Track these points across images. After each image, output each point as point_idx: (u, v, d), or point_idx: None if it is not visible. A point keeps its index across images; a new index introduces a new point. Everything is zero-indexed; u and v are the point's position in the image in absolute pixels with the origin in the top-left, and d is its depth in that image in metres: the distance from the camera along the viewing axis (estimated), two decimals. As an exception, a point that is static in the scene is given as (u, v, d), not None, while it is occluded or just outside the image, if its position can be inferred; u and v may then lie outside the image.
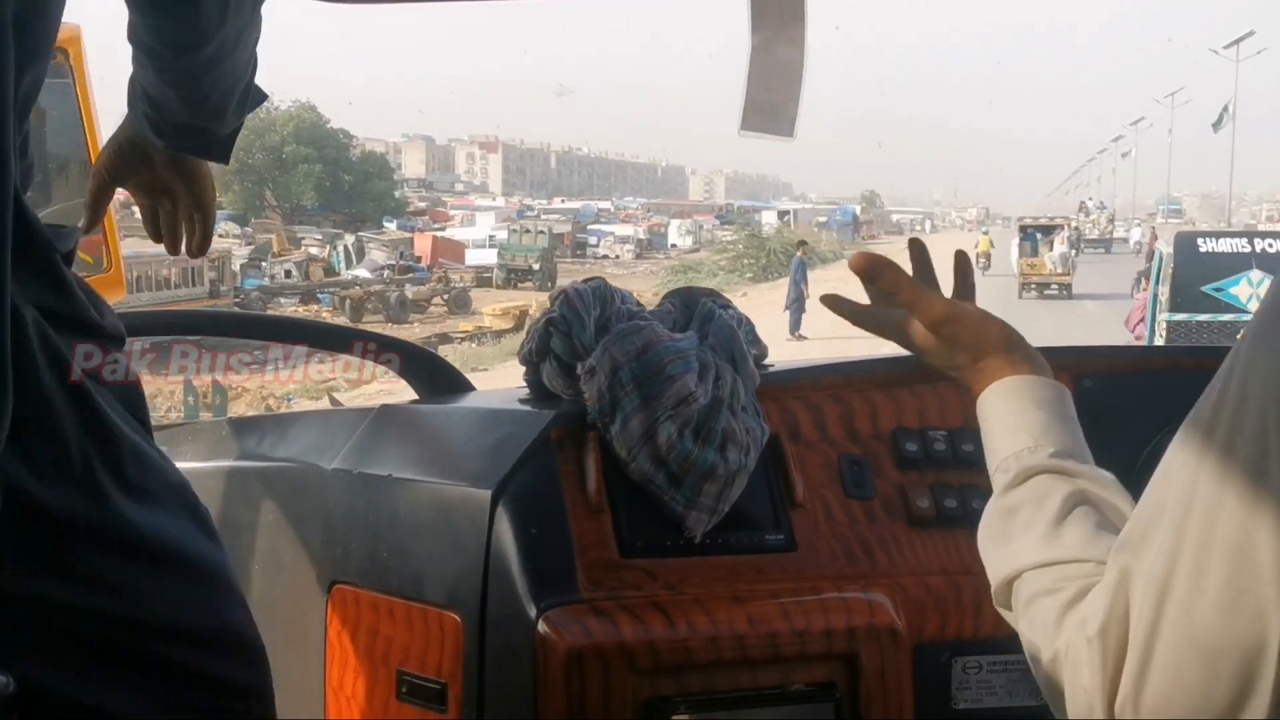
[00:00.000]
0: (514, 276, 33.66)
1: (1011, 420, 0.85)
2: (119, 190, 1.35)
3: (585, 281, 1.35)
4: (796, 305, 18.37)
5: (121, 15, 1.09)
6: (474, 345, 21.20)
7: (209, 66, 1.10)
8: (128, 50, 1.13)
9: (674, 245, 51.43)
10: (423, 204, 65.56)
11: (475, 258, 36.40)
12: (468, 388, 1.65)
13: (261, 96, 1.23)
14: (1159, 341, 10.21)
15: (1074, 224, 36.32)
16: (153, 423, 1.04)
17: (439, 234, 40.90)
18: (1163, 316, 10.61)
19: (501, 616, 1.16)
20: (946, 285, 1.04)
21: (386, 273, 30.43)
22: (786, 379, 1.40)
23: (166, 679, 0.94)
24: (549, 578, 1.16)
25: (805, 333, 17.55)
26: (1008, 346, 0.91)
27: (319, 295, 27.89)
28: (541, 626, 1.13)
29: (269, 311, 23.80)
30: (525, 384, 1.38)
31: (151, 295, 20.29)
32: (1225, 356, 0.63)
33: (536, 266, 33.54)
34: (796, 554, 1.27)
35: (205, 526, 1.02)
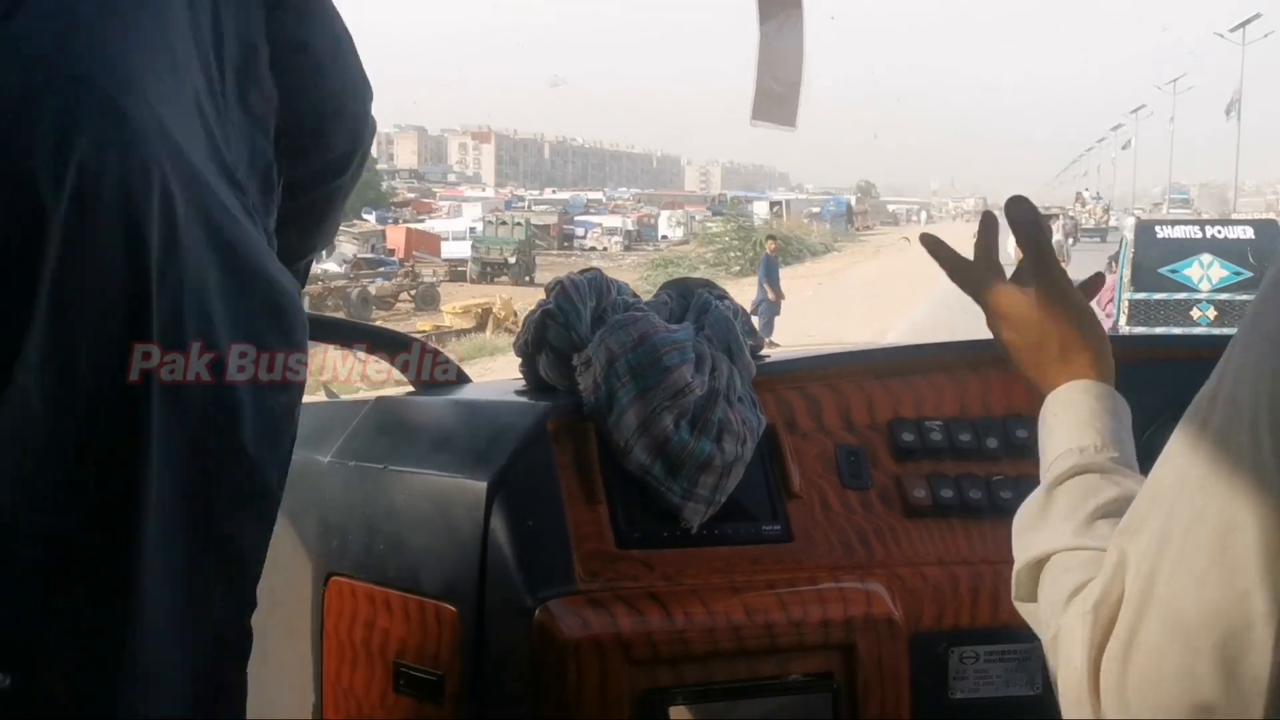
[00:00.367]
0: (489, 270, 31.06)
1: (1086, 417, 0.86)
2: None
3: (581, 273, 1.35)
4: (765, 310, 14.77)
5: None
6: (433, 344, 20.81)
7: None
8: None
9: (664, 237, 50.07)
10: (411, 195, 64.77)
11: (454, 251, 33.74)
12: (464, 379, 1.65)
13: None
14: (1123, 319, 11.51)
15: (1070, 214, 36.63)
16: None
17: (414, 226, 38.87)
18: (1125, 295, 11.68)
19: (498, 608, 1.16)
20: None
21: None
22: (783, 370, 1.40)
23: None
24: (546, 569, 1.16)
25: (777, 339, 13.67)
26: (1099, 352, 0.92)
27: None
28: (538, 618, 1.13)
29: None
30: (521, 375, 1.38)
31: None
32: (1223, 350, 0.64)
33: (512, 260, 31.14)
34: (793, 544, 1.27)
35: None
